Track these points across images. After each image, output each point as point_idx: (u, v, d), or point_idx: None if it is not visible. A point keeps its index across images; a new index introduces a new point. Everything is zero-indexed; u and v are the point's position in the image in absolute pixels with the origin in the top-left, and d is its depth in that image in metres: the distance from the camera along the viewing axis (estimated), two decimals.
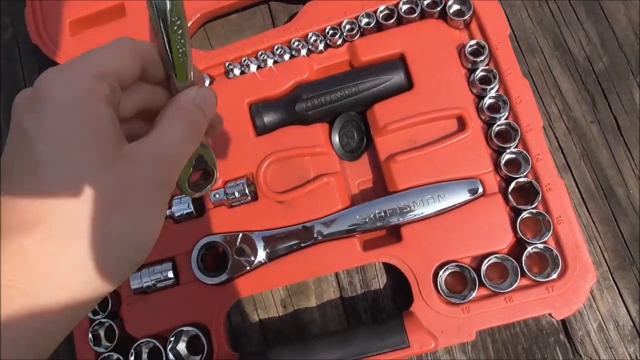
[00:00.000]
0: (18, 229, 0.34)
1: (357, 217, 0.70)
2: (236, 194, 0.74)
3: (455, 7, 0.74)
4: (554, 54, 0.78)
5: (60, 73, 0.38)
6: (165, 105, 0.44)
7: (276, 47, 0.79)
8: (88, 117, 0.37)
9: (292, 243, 0.72)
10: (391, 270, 0.75)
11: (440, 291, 0.66)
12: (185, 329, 0.72)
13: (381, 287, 0.76)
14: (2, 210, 0.34)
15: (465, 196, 0.68)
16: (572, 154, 0.74)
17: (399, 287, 0.75)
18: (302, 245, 0.71)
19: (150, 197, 0.39)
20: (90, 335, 0.73)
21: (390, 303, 0.75)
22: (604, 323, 0.70)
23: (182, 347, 0.72)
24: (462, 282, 0.68)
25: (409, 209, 0.68)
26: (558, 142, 0.75)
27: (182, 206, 0.75)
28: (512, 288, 0.65)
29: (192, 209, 0.75)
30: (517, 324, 0.71)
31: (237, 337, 0.77)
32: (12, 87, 0.96)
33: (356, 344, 0.65)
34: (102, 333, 0.74)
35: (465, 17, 0.73)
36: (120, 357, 0.72)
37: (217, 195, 0.75)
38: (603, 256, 0.71)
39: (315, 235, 0.71)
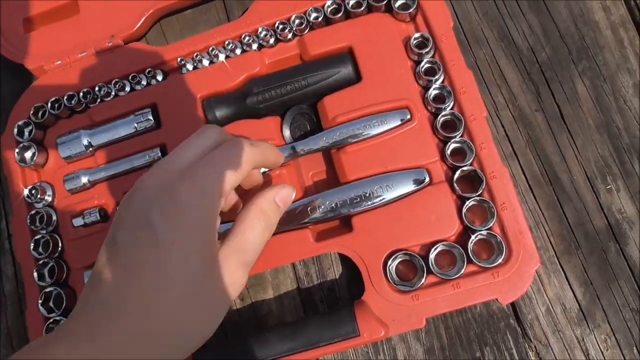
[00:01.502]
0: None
1: (309, 209, 0.71)
2: None
3: (401, 0, 0.75)
4: (499, 45, 0.79)
5: (199, 191, 0.46)
6: (248, 203, 0.53)
7: (227, 42, 0.79)
8: (209, 233, 0.46)
9: None
10: (346, 260, 0.77)
11: (390, 279, 0.67)
12: None
13: (337, 277, 0.77)
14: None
15: (412, 186, 0.69)
16: (518, 141, 0.76)
17: (354, 277, 0.76)
18: None
19: (226, 296, 0.47)
20: (44, 333, 0.73)
21: (346, 293, 0.76)
22: (552, 307, 0.72)
23: None
24: (413, 270, 0.69)
25: (358, 199, 0.69)
26: (505, 130, 0.77)
27: None
28: (459, 275, 0.66)
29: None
30: (469, 309, 0.73)
31: None
32: None
33: (308, 334, 0.66)
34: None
35: (411, 11, 0.74)
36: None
37: None
38: (549, 241, 0.73)
39: None
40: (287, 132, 0.77)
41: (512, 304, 0.73)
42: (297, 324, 0.68)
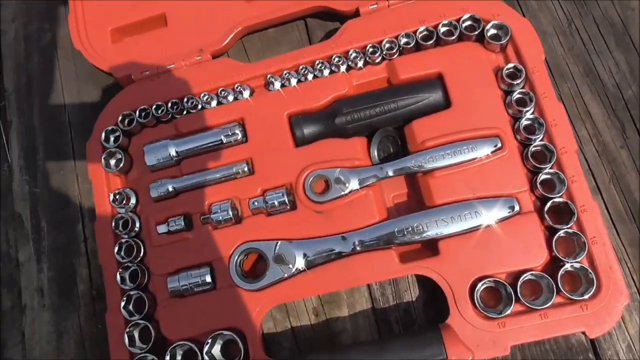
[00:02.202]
0: None
1: (396, 229, 0.72)
2: (275, 202, 0.76)
3: (493, 31, 0.77)
4: (585, 80, 0.80)
5: None
6: None
7: (317, 62, 0.81)
8: None
9: (330, 252, 0.73)
10: (424, 282, 0.77)
11: (477, 305, 0.68)
12: (221, 332, 0.73)
13: (413, 299, 0.78)
14: None
15: (502, 213, 0.70)
16: (601, 176, 0.77)
17: (431, 300, 0.77)
18: (340, 255, 0.73)
19: None
20: (125, 336, 0.74)
21: (422, 315, 0.77)
22: (633, 344, 0.71)
23: (217, 350, 0.73)
24: (496, 297, 0.70)
25: (446, 223, 0.70)
26: (588, 165, 0.77)
27: (222, 213, 0.76)
28: (547, 305, 0.66)
29: (231, 215, 0.76)
30: (547, 341, 0.73)
31: (268, 344, 0.78)
32: (48, 92, 0.97)
33: (392, 353, 0.67)
34: (136, 334, 0.75)
35: (502, 42, 0.76)
36: (155, 359, 0.73)
37: (255, 203, 0.77)
38: (632, 278, 0.73)
39: (353, 246, 0.72)
40: (374, 153, 0.78)
41: (592, 339, 0.72)
42: (381, 342, 0.69)
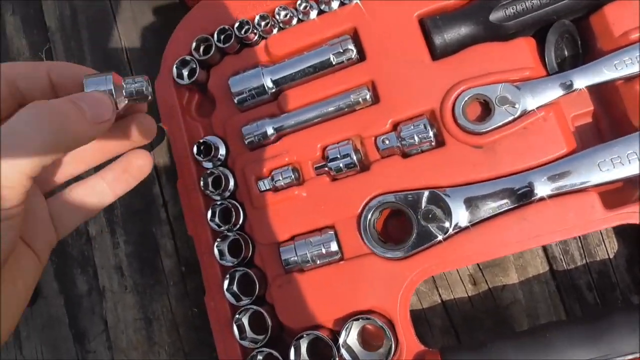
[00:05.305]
0: None
1: (598, 162, 0.50)
2: (415, 138, 0.55)
3: None
4: None
5: None
6: None
7: None
8: None
9: (500, 202, 0.53)
10: (624, 233, 0.56)
11: None
12: (359, 317, 0.55)
13: (610, 257, 0.57)
14: None
15: None
16: None
17: (636, 257, 0.56)
18: (516, 204, 0.52)
19: None
20: (234, 327, 0.58)
21: (626, 277, 0.56)
22: None
23: (355, 340, 0.56)
24: None
25: None
26: None
27: (343, 159, 0.57)
28: None
29: (354, 160, 0.57)
30: None
31: (414, 324, 0.59)
32: (99, 26, 0.78)
33: (621, 339, 0.47)
34: (246, 322, 0.59)
35: None
36: (274, 353, 0.56)
37: (386, 142, 0.57)
38: None
39: (534, 190, 0.52)
40: (551, 57, 0.55)
41: None
42: (595, 323, 0.49)
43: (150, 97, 0.43)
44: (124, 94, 0.42)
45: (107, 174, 0.46)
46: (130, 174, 0.46)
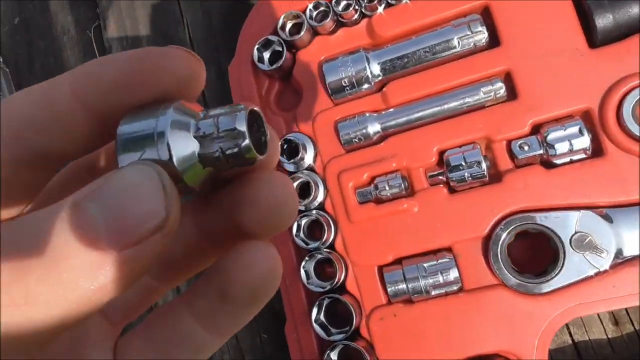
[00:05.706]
0: None
1: None
2: (566, 144, 0.44)
3: None
4: None
5: None
6: None
7: None
8: None
9: None
10: None
11: None
12: None
13: None
14: None
15: None
16: None
17: None
18: None
19: None
20: None
21: None
22: None
23: None
24: None
25: None
26: None
27: (470, 169, 0.46)
28: None
29: (484, 170, 0.46)
30: None
31: None
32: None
33: None
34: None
35: None
36: None
37: (525, 148, 0.46)
38: None
39: None
40: None
41: None
42: None
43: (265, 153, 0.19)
44: (214, 153, 0.18)
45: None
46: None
